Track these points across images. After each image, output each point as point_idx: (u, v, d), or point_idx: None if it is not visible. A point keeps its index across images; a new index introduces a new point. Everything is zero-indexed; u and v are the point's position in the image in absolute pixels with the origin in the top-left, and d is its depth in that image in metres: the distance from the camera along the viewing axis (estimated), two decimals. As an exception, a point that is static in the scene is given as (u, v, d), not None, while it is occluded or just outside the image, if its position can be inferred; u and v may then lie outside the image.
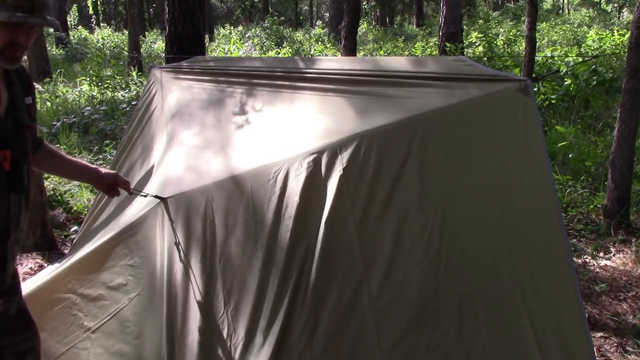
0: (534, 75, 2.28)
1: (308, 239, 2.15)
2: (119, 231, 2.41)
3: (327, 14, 28.99)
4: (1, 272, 1.78)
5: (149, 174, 2.69)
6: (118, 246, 2.40)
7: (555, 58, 9.98)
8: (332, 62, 2.75)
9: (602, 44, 11.78)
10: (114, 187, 2.27)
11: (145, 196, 2.35)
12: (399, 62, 2.49)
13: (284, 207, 2.19)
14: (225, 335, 2.12)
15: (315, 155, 2.23)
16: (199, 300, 2.19)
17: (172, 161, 2.58)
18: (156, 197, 2.34)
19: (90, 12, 27.09)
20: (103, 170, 2.26)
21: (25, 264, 3.91)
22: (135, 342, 2.24)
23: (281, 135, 2.43)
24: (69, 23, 24.15)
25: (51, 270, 2.85)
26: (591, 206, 5.02)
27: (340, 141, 2.22)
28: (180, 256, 2.28)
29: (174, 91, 3.00)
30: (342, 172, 2.16)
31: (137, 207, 2.46)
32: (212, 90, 2.86)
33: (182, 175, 2.49)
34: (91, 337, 2.33)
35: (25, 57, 10.59)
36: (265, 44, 16.43)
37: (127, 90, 10.84)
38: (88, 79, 11.22)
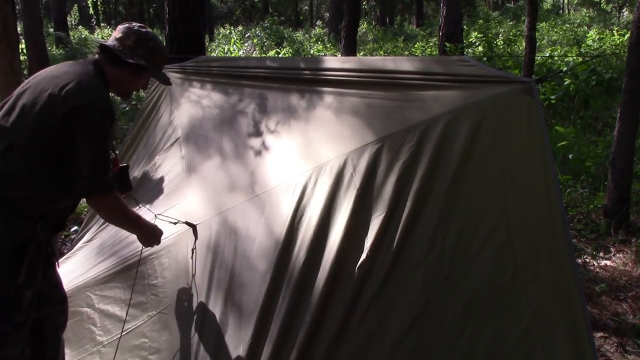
0: (538, 77, 2.26)
1: (317, 245, 2.19)
2: (146, 254, 2.51)
3: (327, 14, 28.99)
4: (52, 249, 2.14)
5: (159, 190, 2.81)
6: (142, 266, 2.48)
7: (555, 58, 9.98)
8: (336, 63, 2.76)
9: (602, 44, 11.78)
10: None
11: (175, 223, 2.45)
12: (403, 63, 2.49)
13: (297, 221, 2.27)
14: (240, 351, 2.16)
15: (329, 166, 2.32)
16: (218, 321, 2.26)
17: (194, 190, 2.68)
18: (186, 223, 2.45)
19: (91, 12, 27.10)
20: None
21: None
22: (153, 357, 2.31)
23: (295, 151, 2.50)
24: (69, 23, 24.16)
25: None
26: (591, 206, 5.02)
27: (351, 152, 2.29)
28: (207, 278, 2.37)
29: (182, 104, 3.05)
30: (355, 180, 2.22)
31: (165, 231, 2.53)
32: (223, 105, 2.90)
33: (205, 202, 2.59)
34: (101, 350, 2.40)
35: (25, 57, 10.60)
36: (265, 44, 16.41)
37: (127, 90, 10.82)
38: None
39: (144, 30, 2.16)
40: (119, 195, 2.10)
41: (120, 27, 2.16)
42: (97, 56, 2.13)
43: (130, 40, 2.11)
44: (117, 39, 2.12)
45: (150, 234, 2.24)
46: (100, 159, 1.94)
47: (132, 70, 2.13)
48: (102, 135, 1.94)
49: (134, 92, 2.33)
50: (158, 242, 2.29)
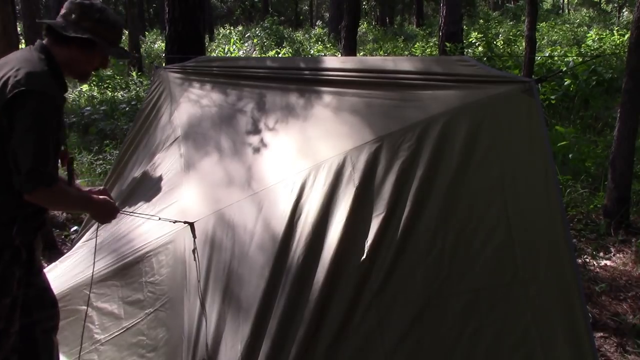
0: (538, 77, 2.26)
1: (315, 243, 2.18)
2: (144, 252, 2.51)
3: (327, 14, 28.97)
4: (33, 255, 2.06)
5: (158, 188, 2.80)
6: (140, 264, 2.48)
7: (555, 58, 9.97)
8: (336, 63, 2.76)
9: (602, 44, 11.78)
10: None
11: (174, 222, 2.44)
12: (403, 63, 2.49)
13: (295, 218, 2.26)
14: (239, 348, 2.15)
15: (327, 164, 2.30)
16: (216, 318, 2.25)
17: (192, 187, 2.66)
18: (184, 222, 2.42)
19: (90, 12, 27.03)
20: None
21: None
22: (150, 354, 2.30)
23: (293, 150, 2.50)
24: (68, 23, 24.11)
25: (50, 269, 2.88)
26: (591, 206, 5.02)
27: (350, 150, 2.28)
28: (203, 274, 2.36)
29: (182, 104, 3.06)
30: (354, 178, 2.22)
31: (162, 228, 2.54)
32: (222, 104, 2.91)
33: (203, 200, 2.58)
34: (99, 349, 2.40)
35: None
36: (265, 44, 16.41)
37: (126, 90, 10.84)
38: (88, 79, 11.18)
39: (88, 2, 1.98)
40: (61, 185, 1.96)
41: (66, 3, 2.00)
42: (45, 40, 1.98)
43: (74, 14, 1.95)
44: (62, 15, 1.97)
45: (101, 210, 2.13)
46: (41, 149, 1.80)
47: (80, 47, 1.96)
48: (43, 124, 1.80)
49: (94, 73, 2.13)
50: (114, 215, 2.18)
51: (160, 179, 2.86)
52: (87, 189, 2.26)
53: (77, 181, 2.66)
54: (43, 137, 1.81)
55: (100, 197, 2.15)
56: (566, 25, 17.86)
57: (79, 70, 2.03)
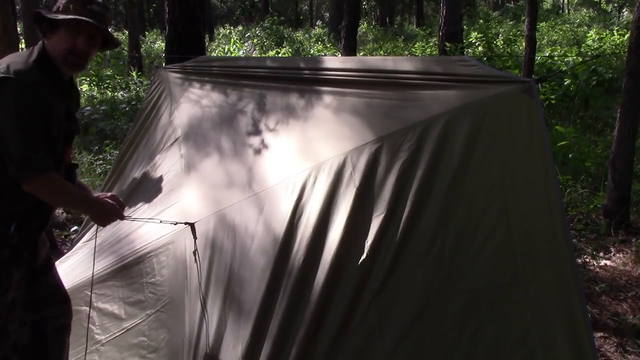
0: (538, 77, 2.27)
1: (316, 243, 2.18)
2: (145, 252, 2.50)
3: (327, 14, 28.99)
4: (36, 253, 2.06)
5: (158, 189, 2.80)
6: (140, 264, 2.48)
7: (555, 58, 9.98)
8: (336, 63, 2.76)
9: (602, 44, 11.79)
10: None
11: (175, 224, 2.44)
12: (403, 63, 2.49)
13: (296, 219, 2.26)
14: (240, 349, 2.15)
15: (328, 165, 2.30)
16: (217, 319, 2.25)
17: (192, 188, 2.66)
18: (185, 223, 2.42)
19: (90, 12, 27.03)
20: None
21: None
22: (151, 355, 2.30)
23: (294, 150, 2.49)
24: (68, 23, 24.12)
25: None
26: (591, 206, 5.02)
27: (350, 151, 2.28)
28: (204, 276, 2.36)
29: (182, 104, 3.06)
30: (354, 179, 2.22)
31: (163, 229, 2.53)
32: (222, 104, 2.91)
33: (204, 200, 2.58)
34: (100, 349, 2.40)
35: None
36: (265, 44, 16.42)
37: (126, 90, 10.84)
38: (88, 79, 11.21)
39: None
40: (58, 175, 1.95)
41: None
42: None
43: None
44: None
45: (102, 212, 2.11)
46: (29, 135, 1.81)
47: (50, 30, 1.95)
48: (26, 111, 1.81)
49: (89, 60, 2.07)
50: (114, 218, 2.17)
51: (160, 179, 2.86)
52: (97, 194, 2.25)
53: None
54: (29, 123, 1.82)
55: (101, 198, 2.15)
56: (566, 25, 17.87)
57: (60, 54, 1.96)
